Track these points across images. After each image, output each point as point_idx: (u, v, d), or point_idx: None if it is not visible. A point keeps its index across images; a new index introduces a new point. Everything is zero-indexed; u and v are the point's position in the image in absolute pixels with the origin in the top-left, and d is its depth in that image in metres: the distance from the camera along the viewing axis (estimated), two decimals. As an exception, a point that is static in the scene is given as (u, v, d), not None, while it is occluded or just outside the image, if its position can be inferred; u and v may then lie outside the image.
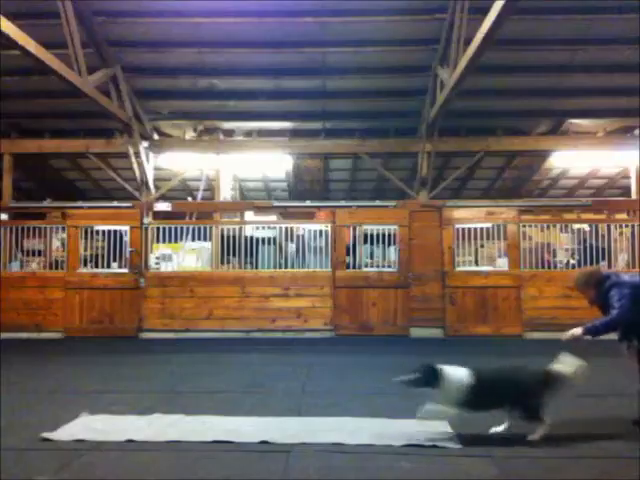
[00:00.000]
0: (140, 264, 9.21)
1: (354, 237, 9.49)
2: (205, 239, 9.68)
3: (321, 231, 9.45)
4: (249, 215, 10.45)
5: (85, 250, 9.44)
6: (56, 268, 9.56)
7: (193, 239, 9.65)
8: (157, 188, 9.99)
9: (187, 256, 9.52)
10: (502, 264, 9.18)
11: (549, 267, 9.46)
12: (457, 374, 3.66)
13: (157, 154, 10.02)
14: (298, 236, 9.57)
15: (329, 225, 9.37)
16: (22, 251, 9.79)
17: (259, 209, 10.30)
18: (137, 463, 3.28)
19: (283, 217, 10.57)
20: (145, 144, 9.67)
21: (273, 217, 11.32)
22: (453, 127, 9.56)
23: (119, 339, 8.78)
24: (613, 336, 8.32)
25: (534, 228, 9.45)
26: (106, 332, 9.00)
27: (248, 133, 10.26)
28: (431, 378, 3.60)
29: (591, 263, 9.15)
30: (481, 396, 3.60)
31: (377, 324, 9.02)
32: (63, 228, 9.52)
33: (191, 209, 11.01)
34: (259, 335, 9.00)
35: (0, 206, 9.67)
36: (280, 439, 3.62)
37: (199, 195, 11.31)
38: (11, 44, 5.72)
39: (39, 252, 9.89)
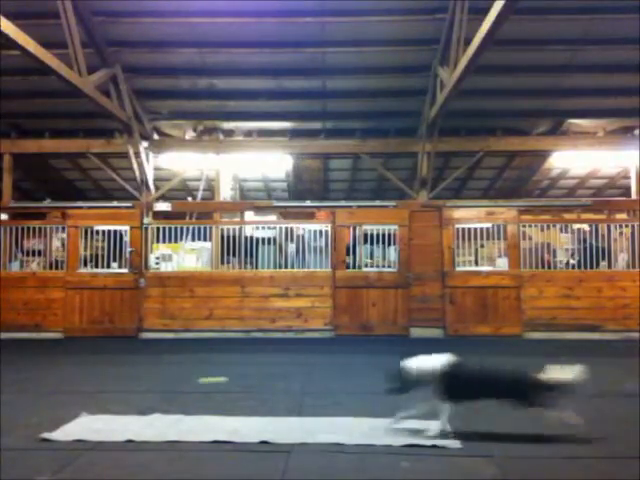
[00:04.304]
0: (140, 264, 9.21)
1: (354, 237, 9.49)
2: (205, 239, 9.68)
3: (321, 231, 9.45)
4: (249, 215, 10.45)
5: (85, 250, 9.44)
6: (56, 268, 9.56)
7: (193, 239, 9.65)
8: (157, 188, 9.99)
9: (187, 256, 9.52)
10: (502, 264, 9.18)
11: (549, 267, 9.46)
12: (427, 364, 3.73)
13: (157, 154, 10.03)
14: (298, 236, 9.57)
15: (329, 225, 9.37)
16: (22, 251, 9.79)
17: (259, 209, 10.31)
18: (137, 463, 3.28)
19: (283, 217, 10.56)
20: (145, 144, 9.67)
21: (273, 217, 11.32)
22: (453, 127, 9.56)
23: (119, 339, 8.78)
24: (613, 336, 8.30)
25: (534, 228, 9.45)
26: (106, 332, 9.00)
27: (248, 133, 10.26)
28: (399, 383, 3.62)
29: (591, 263, 9.16)
30: (462, 385, 3.58)
31: (377, 324, 9.02)
32: (63, 228, 9.52)
33: (191, 209, 11.01)
34: (259, 335, 9.00)
35: (0, 206, 9.67)
36: (280, 439, 3.62)
37: (199, 195, 11.31)
38: (11, 44, 5.72)
39: (39, 252, 9.89)
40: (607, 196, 12.97)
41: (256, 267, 9.47)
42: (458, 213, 9.27)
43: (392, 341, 8.53)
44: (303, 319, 9.10)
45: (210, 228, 9.73)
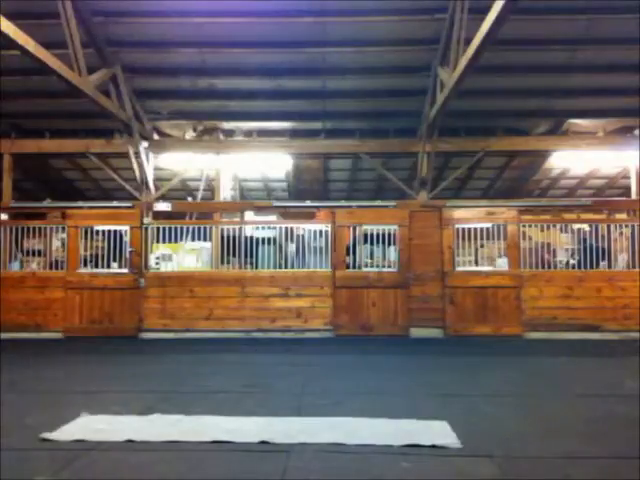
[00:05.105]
0: (140, 264, 9.21)
1: (354, 237, 9.49)
2: (205, 239, 9.68)
3: (321, 231, 9.45)
4: (249, 215, 10.45)
5: (85, 250, 9.44)
6: (56, 268, 9.55)
7: (193, 239, 9.65)
8: (157, 188, 9.99)
9: (187, 256, 9.52)
10: (502, 264, 9.18)
11: (549, 267, 9.46)
12: None
13: (157, 154, 10.03)
14: (298, 236, 9.57)
15: (329, 225, 9.37)
16: (22, 251, 9.79)
17: (259, 209, 10.30)
18: (137, 463, 3.28)
19: (283, 217, 10.57)
20: (145, 144, 9.67)
21: (273, 217, 11.32)
22: (453, 127, 9.56)
23: (119, 339, 8.78)
24: (613, 336, 8.35)
25: (534, 228, 9.45)
26: (106, 332, 9.00)
27: (248, 133, 10.27)
28: None
29: (591, 263, 9.16)
30: None
31: (377, 324, 9.02)
32: (63, 228, 9.52)
33: (191, 209, 11.01)
34: (259, 335, 9.00)
35: (0, 206, 9.67)
36: (280, 439, 3.62)
37: (199, 195, 11.32)
38: (11, 44, 5.72)
39: (39, 252, 9.89)
40: (607, 196, 12.98)
41: (256, 267, 9.46)
42: (458, 213, 9.27)
43: (392, 341, 8.53)
44: (303, 319, 9.10)
45: (210, 228, 9.73)
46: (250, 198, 13.74)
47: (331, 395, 4.94)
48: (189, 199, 12.16)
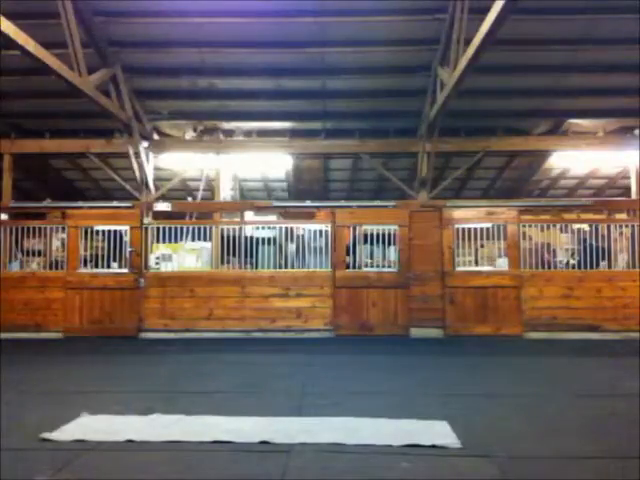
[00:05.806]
0: (140, 264, 9.21)
1: (354, 237, 9.49)
2: (205, 239, 9.67)
3: (321, 231, 9.45)
4: (249, 215, 10.45)
5: (85, 250, 9.44)
6: (56, 268, 9.55)
7: (193, 239, 9.65)
8: (157, 188, 9.99)
9: (187, 256, 9.52)
10: (502, 264, 9.18)
11: (549, 267, 9.45)
12: None
13: (157, 154, 10.03)
14: (298, 236, 9.57)
15: (329, 225, 9.37)
16: (22, 251, 9.79)
17: (259, 209, 10.30)
18: (137, 463, 3.28)
19: (283, 217, 10.56)
20: (145, 144, 9.67)
21: (273, 217, 11.32)
22: (453, 127, 9.56)
23: (119, 339, 8.78)
24: (613, 336, 8.34)
25: (534, 228, 9.45)
26: (106, 332, 9.00)
27: (248, 133, 10.27)
28: None
29: (591, 263, 9.16)
30: None
31: (377, 324, 9.02)
32: (63, 228, 9.52)
33: (191, 209, 11.01)
34: (259, 335, 9.00)
35: (0, 206, 9.67)
36: (280, 439, 3.62)
37: (199, 195, 11.31)
38: (11, 44, 5.72)
39: (39, 252, 9.89)
40: (607, 196, 12.98)
41: (256, 267, 9.46)
42: (458, 213, 9.26)
43: (392, 341, 8.52)
44: (303, 319, 9.10)
45: (210, 228, 9.73)
46: (250, 198, 13.73)
47: (331, 395, 4.94)
48: (189, 199, 12.16)
